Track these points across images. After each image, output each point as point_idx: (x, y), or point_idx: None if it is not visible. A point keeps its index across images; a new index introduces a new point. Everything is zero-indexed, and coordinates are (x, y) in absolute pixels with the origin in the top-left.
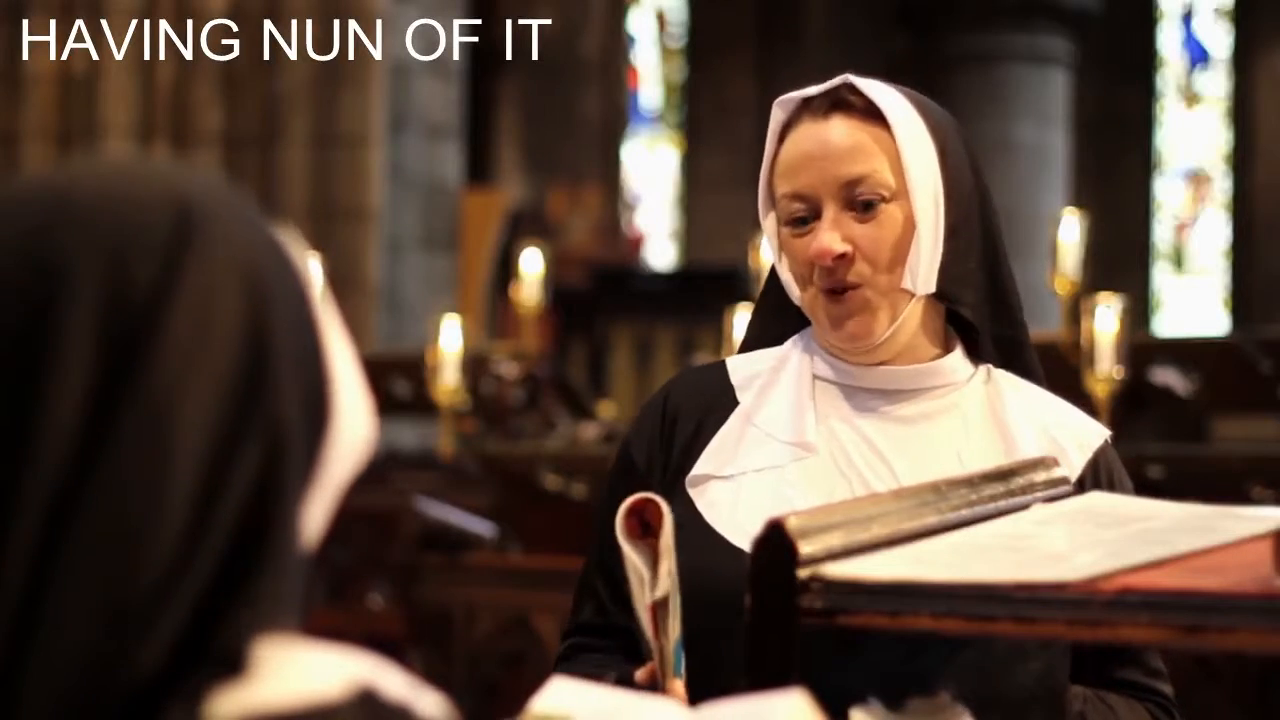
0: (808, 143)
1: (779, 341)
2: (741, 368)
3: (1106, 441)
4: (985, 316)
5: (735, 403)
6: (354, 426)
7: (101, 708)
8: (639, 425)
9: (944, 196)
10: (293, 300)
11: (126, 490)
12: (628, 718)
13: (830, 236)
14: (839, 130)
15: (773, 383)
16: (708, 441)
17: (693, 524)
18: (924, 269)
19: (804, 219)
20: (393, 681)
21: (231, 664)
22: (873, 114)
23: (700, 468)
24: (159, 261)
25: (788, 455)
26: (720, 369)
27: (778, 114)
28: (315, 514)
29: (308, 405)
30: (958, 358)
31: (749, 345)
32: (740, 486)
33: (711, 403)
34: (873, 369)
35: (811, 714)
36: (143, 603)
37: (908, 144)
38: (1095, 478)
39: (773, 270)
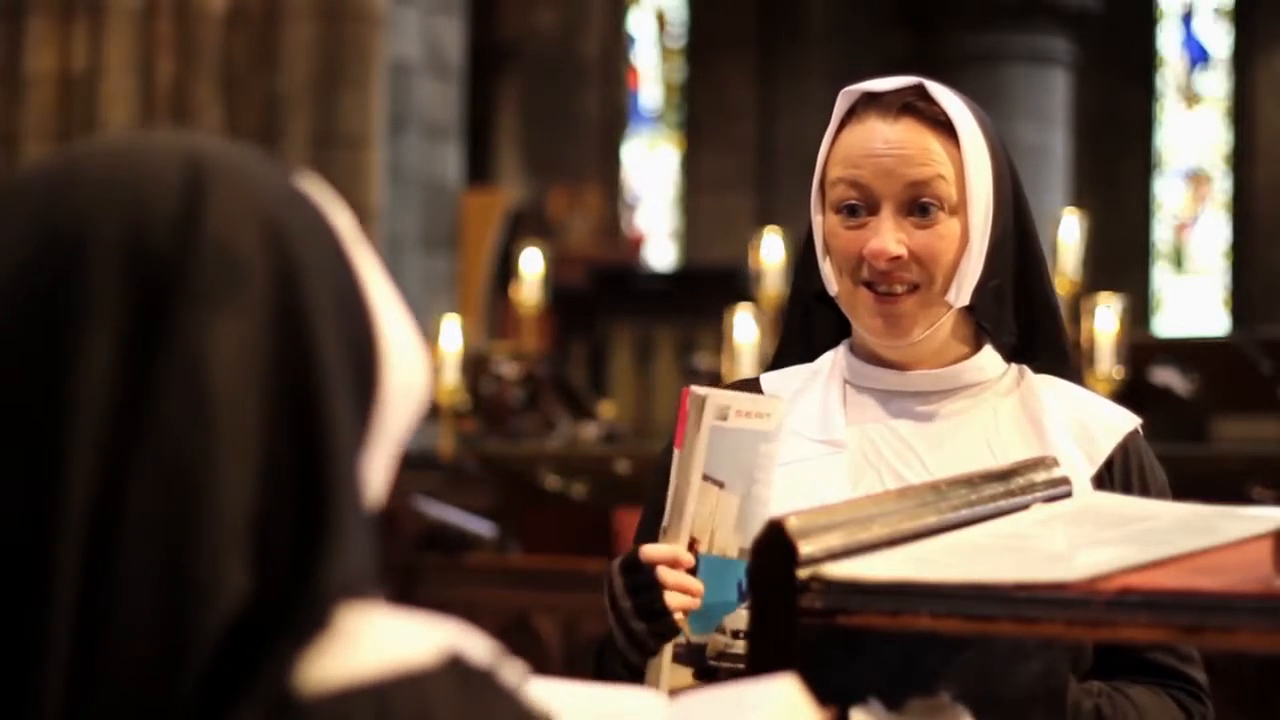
0: (875, 141)
1: (806, 351)
2: (775, 382)
3: (1137, 429)
4: (1014, 325)
5: None
6: (407, 371)
7: (181, 676)
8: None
9: (992, 213)
10: (320, 244)
11: (176, 451)
12: (606, 710)
13: (888, 237)
14: (909, 134)
15: (806, 390)
16: None
17: None
18: (967, 284)
19: (855, 208)
20: (478, 646)
21: (317, 628)
22: (941, 124)
23: None
24: (175, 216)
25: (818, 451)
26: (754, 384)
27: (841, 103)
28: (377, 466)
29: (352, 352)
30: (988, 356)
31: (781, 356)
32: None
33: None
34: (904, 374)
35: (803, 699)
36: (211, 566)
37: (971, 161)
38: (1125, 463)
39: (796, 289)
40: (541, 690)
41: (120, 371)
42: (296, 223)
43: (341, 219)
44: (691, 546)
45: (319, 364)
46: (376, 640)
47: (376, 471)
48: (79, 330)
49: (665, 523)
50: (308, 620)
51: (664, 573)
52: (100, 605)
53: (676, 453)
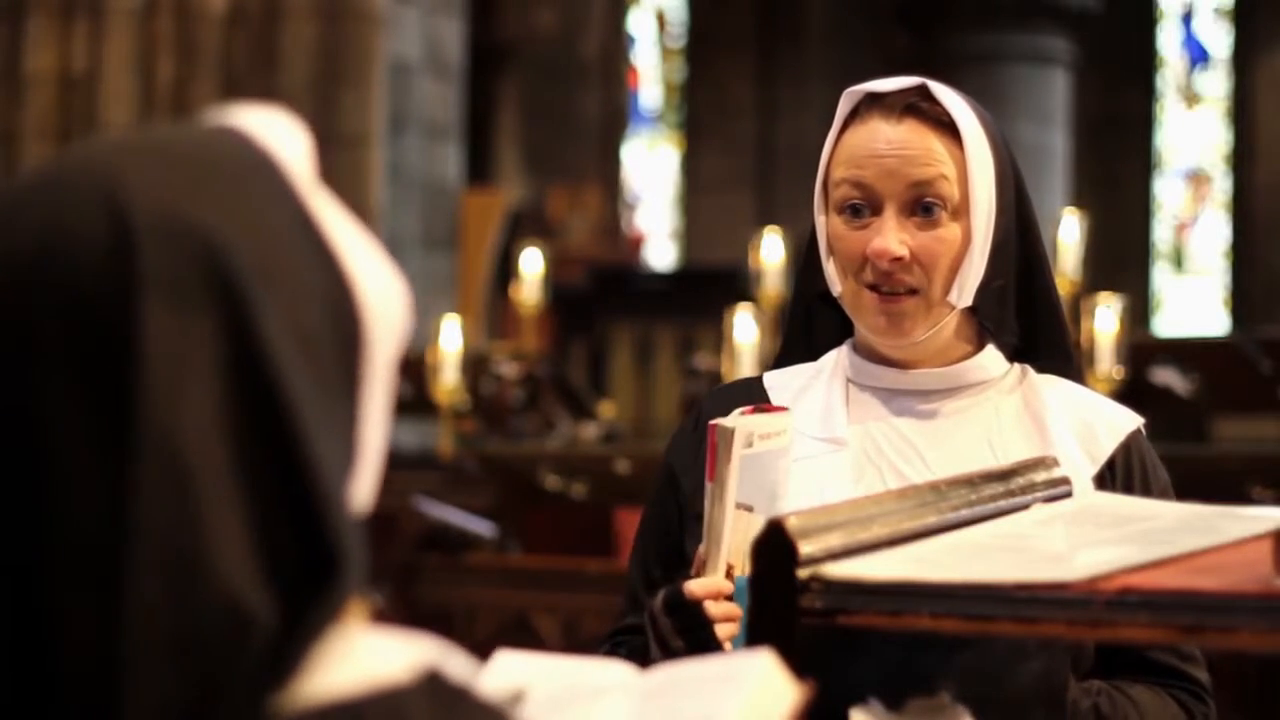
0: (878, 141)
1: (808, 351)
2: (778, 381)
3: (1140, 429)
4: (1017, 325)
5: None
6: (385, 307)
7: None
8: (676, 439)
9: (995, 214)
10: (264, 231)
11: (169, 545)
12: (578, 681)
13: (891, 238)
14: (912, 134)
15: (808, 388)
16: None
17: None
18: (970, 285)
19: (859, 209)
20: (455, 663)
21: (306, 655)
22: (945, 125)
23: None
24: (110, 281)
25: (820, 449)
26: (756, 383)
27: (844, 104)
28: (374, 414)
29: (330, 321)
30: (990, 355)
31: (783, 356)
32: None
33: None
34: (907, 373)
35: (780, 673)
36: (224, 613)
37: (975, 162)
38: (1127, 462)
39: (799, 289)
40: (513, 663)
41: (90, 437)
42: (229, 224)
43: (291, 157)
44: (728, 573)
45: (284, 393)
46: (354, 658)
47: (375, 421)
48: (38, 389)
49: (702, 553)
50: (300, 650)
51: (711, 607)
52: (116, 690)
53: (708, 485)
